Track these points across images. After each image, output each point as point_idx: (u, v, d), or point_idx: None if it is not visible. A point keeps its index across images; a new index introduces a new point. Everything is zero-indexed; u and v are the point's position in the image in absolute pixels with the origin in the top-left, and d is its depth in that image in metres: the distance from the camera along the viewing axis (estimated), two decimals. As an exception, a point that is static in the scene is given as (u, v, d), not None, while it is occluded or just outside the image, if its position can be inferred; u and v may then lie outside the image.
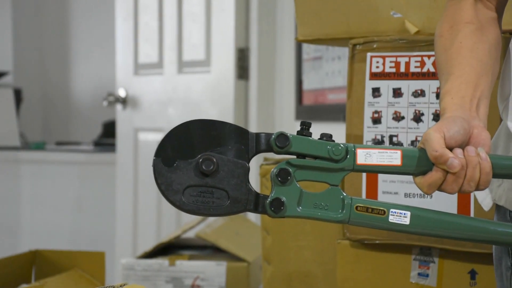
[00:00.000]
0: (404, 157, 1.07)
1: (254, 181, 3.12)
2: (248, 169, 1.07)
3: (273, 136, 1.06)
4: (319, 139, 1.08)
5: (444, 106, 1.12)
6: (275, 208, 1.07)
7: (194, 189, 1.06)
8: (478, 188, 1.07)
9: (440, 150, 1.05)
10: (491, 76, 1.17)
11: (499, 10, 1.24)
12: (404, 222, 1.08)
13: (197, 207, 1.06)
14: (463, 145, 1.08)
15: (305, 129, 1.07)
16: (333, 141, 1.08)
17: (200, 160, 1.05)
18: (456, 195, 1.55)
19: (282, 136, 1.06)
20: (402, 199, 1.60)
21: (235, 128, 1.06)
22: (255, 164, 3.13)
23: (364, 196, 1.63)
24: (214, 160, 1.05)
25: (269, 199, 1.07)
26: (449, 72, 1.16)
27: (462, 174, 1.06)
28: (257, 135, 1.07)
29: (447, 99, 1.13)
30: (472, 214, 1.54)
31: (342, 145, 1.08)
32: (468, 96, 1.13)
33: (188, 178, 1.05)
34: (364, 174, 1.64)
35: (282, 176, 1.06)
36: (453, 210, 1.55)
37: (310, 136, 1.08)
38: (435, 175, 1.06)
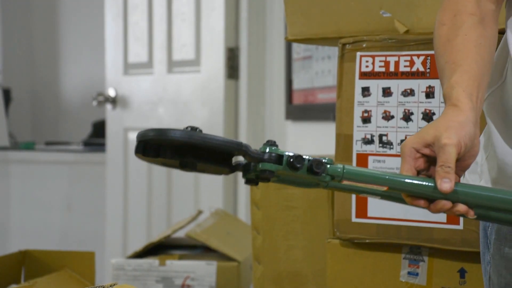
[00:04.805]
0: (386, 191, 1.07)
1: (244, 186, 3.12)
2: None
3: (256, 171, 1.02)
4: (309, 161, 1.03)
5: (457, 97, 1.11)
6: (262, 179, 1.05)
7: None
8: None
9: (452, 167, 1.06)
10: (488, 76, 1.18)
11: (499, 3, 1.23)
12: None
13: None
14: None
15: (295, 162, 1.02)
16: (323, 164, 1.03)
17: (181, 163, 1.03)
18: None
19: (266, 175, 1.02)
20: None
21: (221, 149, 1.02)
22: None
23: (354, 195, 1.64)
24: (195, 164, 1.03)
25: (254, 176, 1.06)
26: (456, 63, 1.15)
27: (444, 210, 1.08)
28: (246, 163, 1.03)
29: (458, 91, 1.12)
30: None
31: (328, 177, 1.04)
32: (474, 95, 1.12)
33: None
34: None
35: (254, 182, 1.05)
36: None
37: (300, 166, 1.02)
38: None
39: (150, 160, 1.04)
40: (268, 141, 1.04)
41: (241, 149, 1.01)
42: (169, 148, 1.02)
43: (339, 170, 1.04)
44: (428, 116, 1.59)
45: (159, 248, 2.50)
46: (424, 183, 1.06)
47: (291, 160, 1.02)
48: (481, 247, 1.31)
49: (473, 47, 1.16)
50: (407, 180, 1.06)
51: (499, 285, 1.26)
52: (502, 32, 1.25)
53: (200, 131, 1.02)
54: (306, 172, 1.03)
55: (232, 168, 1.05)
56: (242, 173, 1.05)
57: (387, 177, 1.06)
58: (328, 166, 1.04)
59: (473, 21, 1.18)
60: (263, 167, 1.02)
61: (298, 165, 1.02)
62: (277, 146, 1.04)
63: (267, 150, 1.03)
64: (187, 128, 1.02)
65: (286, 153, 1.03)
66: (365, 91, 1.64)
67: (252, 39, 3.24)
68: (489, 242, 1.27)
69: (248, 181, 1.05)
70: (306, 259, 1.84)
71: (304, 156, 1.03)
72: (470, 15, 1.19)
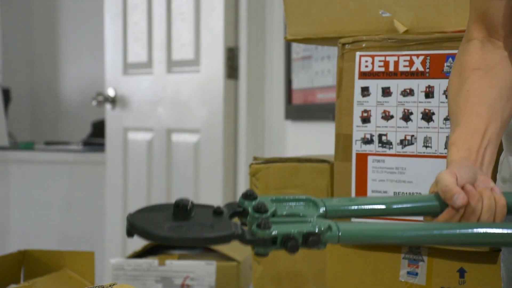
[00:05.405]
0: None
1: (244, 180, 3.12)
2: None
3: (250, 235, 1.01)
4: (302, 238, 1.00)
5: (450, 159, 1.11)
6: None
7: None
8: (495, 220, 1.06)
9: (450, 186, 1.04)
10: (501, 120, 1.16)
11: (510, 46, 1.21)
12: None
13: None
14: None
15: (289, 245, 1.00)
16: (318, 239, 1.00)
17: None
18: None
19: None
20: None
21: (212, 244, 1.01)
22: (244, 163, 3.12)
23: (353, 195, 1.64)
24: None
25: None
26: (456, 122, 1.15)
27: (479, 206, 1.05)
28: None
29: (453, 151, 1.12)
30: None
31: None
32: (474, 147, 1.12)
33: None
34: (353, 175, 1.64)
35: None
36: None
37: (295, 246, 1.00)
38: (447, 214, 1.05)
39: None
40: (260, 221, 1.00)
41: (233, 239, 1.00)
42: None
43: (334, 238, 1.02)
44: (427, 116, 1.59)
45: (158, 248, 2.50)
46: (426, 227, 1.05)
47: (285, 243, 1.00)
48: None
49: (475, 99, 1.16)
50: (407, 234, 1.04)
51: (508, 280, 1.26)
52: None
53: (189, 212, 1.00)
54: (301, 247, 1.01)
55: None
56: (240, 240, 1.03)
57: (385, 233, 1.04)
58: (321, 237, 1.01)
59: (477, 75, 1.18)
60: (258, 251, 1.01)
61: (292, 247, 1.00)
62: (269, 222, 1.00)
63: (259, 233, 1.00)
64: (175, 214, 0.99)
65: (280, 236, 1.00)
66: (365, 91, 1.64)
67: (252, 39, 3.24)
68: None
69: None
70: (306, 259, 1.84)
71: (295, 235, 1.00)
72: (473, 70, 1.19)
